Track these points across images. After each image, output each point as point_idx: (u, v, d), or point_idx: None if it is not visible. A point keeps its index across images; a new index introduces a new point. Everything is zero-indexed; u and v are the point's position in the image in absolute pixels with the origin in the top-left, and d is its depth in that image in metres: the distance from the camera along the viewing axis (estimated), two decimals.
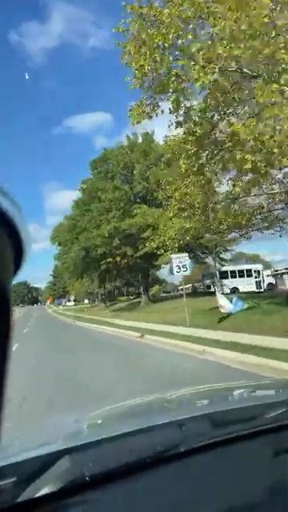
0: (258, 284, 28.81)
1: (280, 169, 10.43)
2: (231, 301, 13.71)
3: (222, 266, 30.25)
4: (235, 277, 29.49)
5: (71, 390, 6.33)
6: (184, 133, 10.79)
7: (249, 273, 29.31)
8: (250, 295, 20.76)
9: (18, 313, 57.37)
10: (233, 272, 29.55)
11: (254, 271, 29.50)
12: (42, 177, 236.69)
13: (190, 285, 65.02)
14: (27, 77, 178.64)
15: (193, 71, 8.08)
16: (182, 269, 13.05)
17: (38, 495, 0.78)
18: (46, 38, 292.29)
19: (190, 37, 8.47)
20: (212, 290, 30.46)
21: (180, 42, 8.60)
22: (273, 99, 7.42)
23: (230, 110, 10.35)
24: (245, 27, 7.33)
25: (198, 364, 7.56)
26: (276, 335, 8.81)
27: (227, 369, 6.77)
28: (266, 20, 7.27)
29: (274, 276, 28.16)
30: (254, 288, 28.12)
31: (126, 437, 0.99)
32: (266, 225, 16.29)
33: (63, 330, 22.03)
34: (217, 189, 13.95)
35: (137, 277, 60.53)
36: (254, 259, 49.07)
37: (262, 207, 15.48)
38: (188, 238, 16.90)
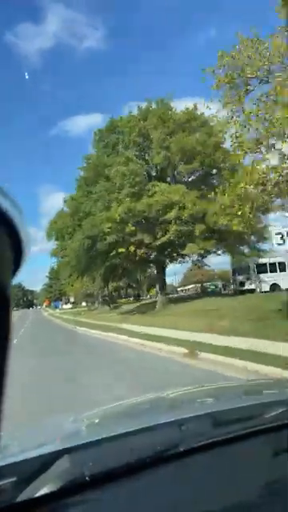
0: None
1: None
2: None
3: (259, 258, 24.72)
4: (275, 271, 24.19)
5: None
6: None
7: None
8: None
9: None
10: (272, 265, 24.21)
11: None
12: (38, 179, 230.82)
13: (193, 285, 58.98)
14: (27, 77, 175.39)
15: None
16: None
17: (37, 495, 0.77)
18: (45, 37, 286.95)
19: None
20: (246, 287, 25.16)
21: None
22: None
23: None
24: None
25: None
26: None
27: None
28: None
29: None
30: None
31: (126, 436, 0.99)
32: None
33: (69, 346, 16.40)
34: None
35: (136, 277, 55.50)
36: None
37: None
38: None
